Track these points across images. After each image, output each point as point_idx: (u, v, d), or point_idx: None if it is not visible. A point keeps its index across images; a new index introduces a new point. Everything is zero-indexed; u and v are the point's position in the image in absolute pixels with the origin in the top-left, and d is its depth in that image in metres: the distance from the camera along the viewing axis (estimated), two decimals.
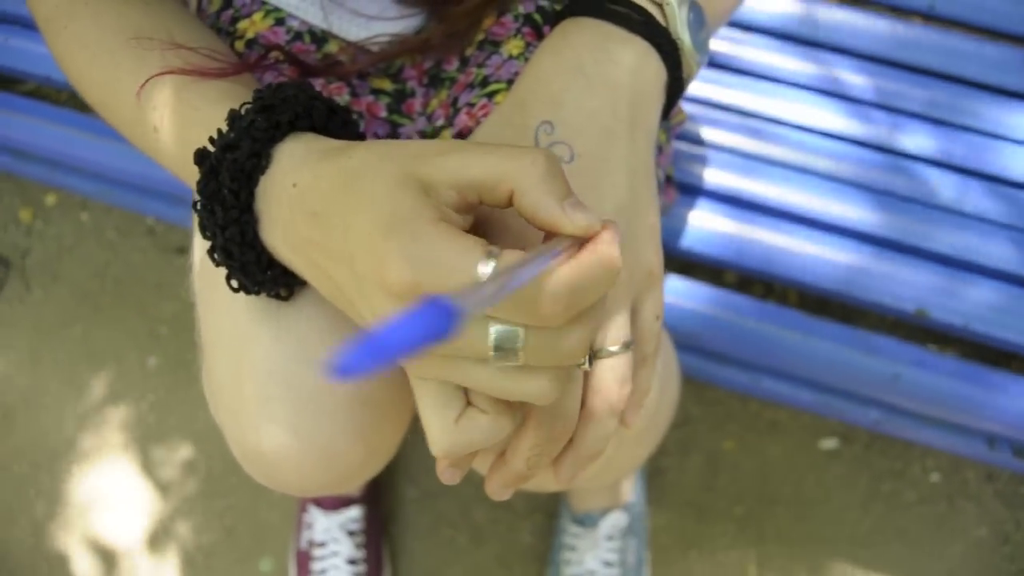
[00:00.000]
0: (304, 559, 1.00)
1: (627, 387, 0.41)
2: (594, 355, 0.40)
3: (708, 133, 0.84)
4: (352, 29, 0.54)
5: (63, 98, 1.26)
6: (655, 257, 0.42)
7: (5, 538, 1.10)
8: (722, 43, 0.88)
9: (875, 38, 0.87)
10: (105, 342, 1.20)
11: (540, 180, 0.32)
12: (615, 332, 0.40)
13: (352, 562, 0.98)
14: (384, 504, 1.06)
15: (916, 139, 0.83)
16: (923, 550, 1.02)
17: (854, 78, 0.86)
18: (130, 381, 1.17)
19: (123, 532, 1.09)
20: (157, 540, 1.09)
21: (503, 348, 0.32)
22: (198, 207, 0.41)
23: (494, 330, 0.31)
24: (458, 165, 0.33)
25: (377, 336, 0.20)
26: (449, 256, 0.30)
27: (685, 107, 0.86)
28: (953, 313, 0.76)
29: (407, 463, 1.09)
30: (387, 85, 0.55)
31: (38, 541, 1.10)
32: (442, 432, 0.36)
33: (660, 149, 0.56)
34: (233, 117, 0.40)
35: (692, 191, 0.82)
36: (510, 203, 0.33)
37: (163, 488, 1.11)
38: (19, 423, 1.16)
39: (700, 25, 0.46)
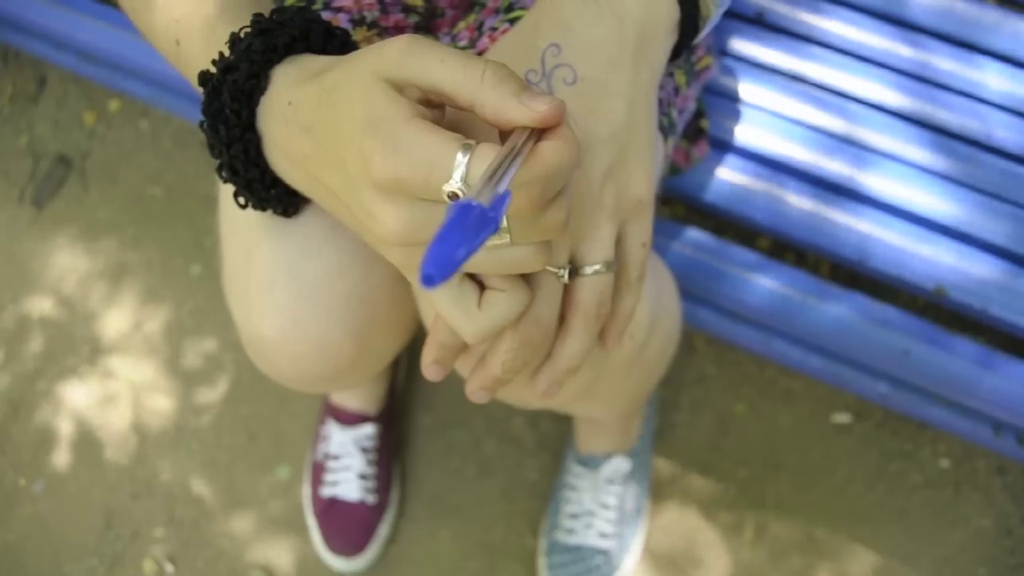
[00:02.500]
0: (319, 470, 1.05)
1: (605, 306, 0.43)
2: (575, 270, 0.42)
3: (750, 92, 0.84)
4: None
5: None
6: (645, 186, 0.43)
7: (45, 422, 1.17)
8: (778, 4, 0.88)
9: (939, 14, 0.85)
10: (153, 247, 1.25)
11: (492, 88, 0.33)
12: (597, 251, 0.41)
13: (363, 477, 1.02)
14: (399, 428, 1.10)
15: (959, 117, 0.81)
16: (922, 533, 1.02)
17: (904, 50, 0.84)
18: (173, 286, 1.22)
19: (151, 427, 1.16)
20: (183, 438, 1.15)
21: None
22: (204, 126, 0.43)
23: None
24: (417, 69, 0.34)
25: (436, 248, 0.24)
26: (427, 150, 0.32)
27: (729, 63, 0.86)
28: (972, 295, 0.75)
29: (424, 391, 1.12)
30: (419, 3, 0.56)
31: (74, 426, 1.16)
32: (468, 320, 0.38)
33: (677, 91, 0.57)
34: (233, 40, 0.42)
35: (726, 147, 0.82)
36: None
37: (193, 390, 1.17)
38: (65, 316, 1.23)
39: None
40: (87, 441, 1.16)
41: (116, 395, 1.18)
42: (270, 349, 0.50)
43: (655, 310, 0.55)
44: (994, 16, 0.83)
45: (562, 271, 0.41)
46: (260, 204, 0.45)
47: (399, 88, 0.35)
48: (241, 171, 0.43)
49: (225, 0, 0.46)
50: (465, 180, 0.32)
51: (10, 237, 1.29)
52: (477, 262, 0.36)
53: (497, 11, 0.53)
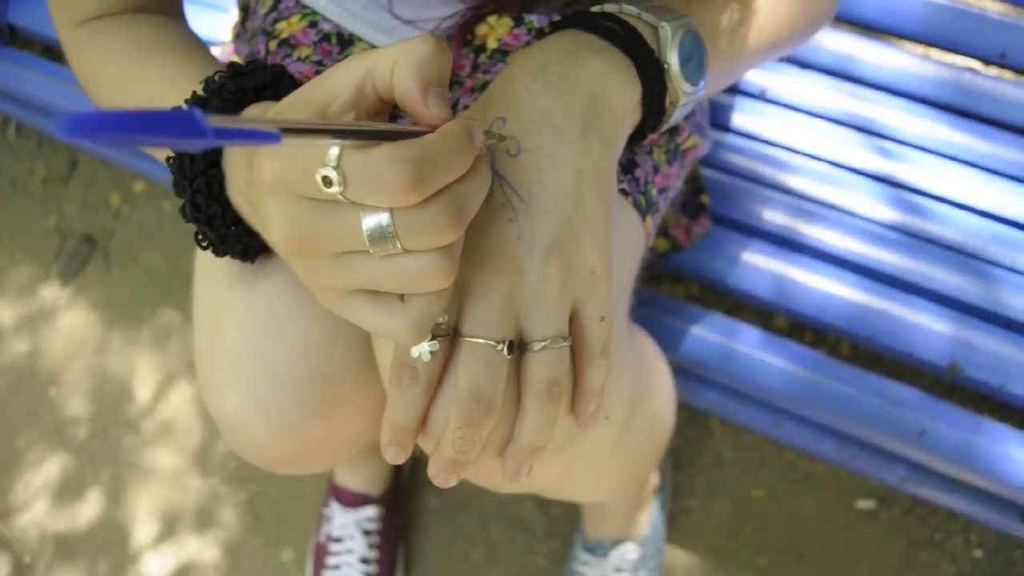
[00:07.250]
0: (321, 553, 1.02)
1: (560, 383, 0.41)
2: (523, 346, 0.40)
3: (753, 167, 0.83)
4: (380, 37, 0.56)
5: None
6: (598, 258, 0.41)
7: (55, 498, 1.17)
8: (779, 81, 0.87)
9: (936, 84, 0.84)
10: (169, 326, 1.26)
11: (417, 59, 0.33)
12: (544, 326, 0.40)
13: (365, 561, 0.99)
14: (405, 510, 1.07)
15: (975, 192, 0.79)
16: None
17: (915, 124, 0.83)
18: (188, 364, 1.23)
19: (159, 504, 1.14)
20: (189, 515, 1.13)
21: (377, 235, 0.33)
22: (170, 161, 0.44)
23: (364, 218, 0.33)
24: (357, 62, 0.35)
25: (121, 112, 0.20)
26: (302, 149, 0.32)
27: (732, 140, 0.85)
28: (988, 371, 0.72)
29: None
30: None
31: (82, 504, 1.16)
32: (393, 316, 0.36)
33: (657, 169, 0.56)
34: (207, 82, 0.44)
35: (729, 223, 0.81)
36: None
37: (202, 467, 1.16)
38: (83, 392, 1.23)
39: (695, 53, 0.46)
40: (94, 516, 1.15)
41: (126, 472, 1.17)
42: (233, 429, 0.49)
43: (636, 391, 0.52)
44: (1011, 89, 0.82)
45: (500, 345, 0.39)
46: (221, 243, 0.45)
47: (328, 106, 0.35)
48: (203, 206, 0.43)
49: (175, 72, 0.49)
50: (339, 166, 0.31)
51: (33, 314, 1.31)
52: (370, 271, 0.34)
53: (473, 90, 0.53)
